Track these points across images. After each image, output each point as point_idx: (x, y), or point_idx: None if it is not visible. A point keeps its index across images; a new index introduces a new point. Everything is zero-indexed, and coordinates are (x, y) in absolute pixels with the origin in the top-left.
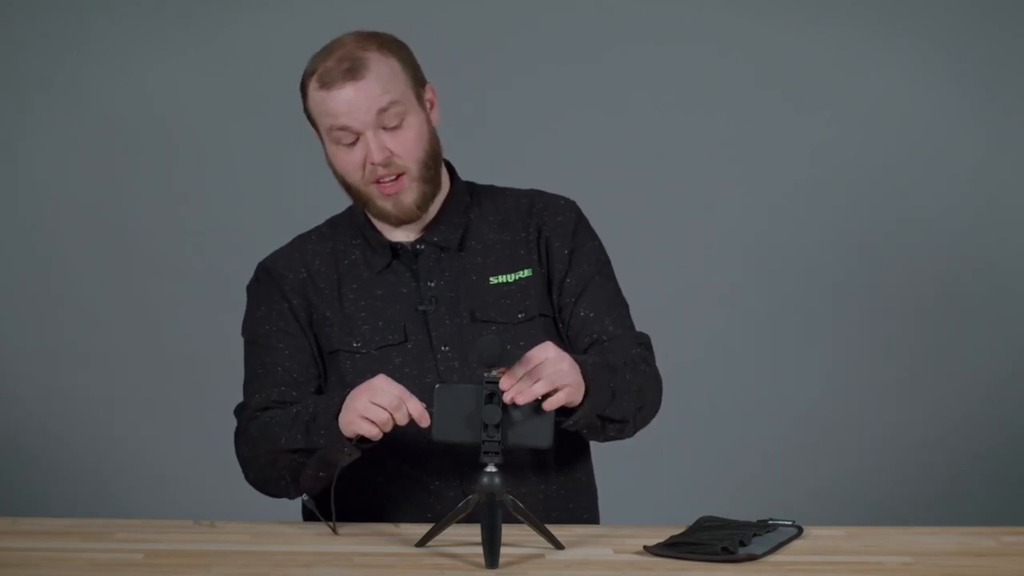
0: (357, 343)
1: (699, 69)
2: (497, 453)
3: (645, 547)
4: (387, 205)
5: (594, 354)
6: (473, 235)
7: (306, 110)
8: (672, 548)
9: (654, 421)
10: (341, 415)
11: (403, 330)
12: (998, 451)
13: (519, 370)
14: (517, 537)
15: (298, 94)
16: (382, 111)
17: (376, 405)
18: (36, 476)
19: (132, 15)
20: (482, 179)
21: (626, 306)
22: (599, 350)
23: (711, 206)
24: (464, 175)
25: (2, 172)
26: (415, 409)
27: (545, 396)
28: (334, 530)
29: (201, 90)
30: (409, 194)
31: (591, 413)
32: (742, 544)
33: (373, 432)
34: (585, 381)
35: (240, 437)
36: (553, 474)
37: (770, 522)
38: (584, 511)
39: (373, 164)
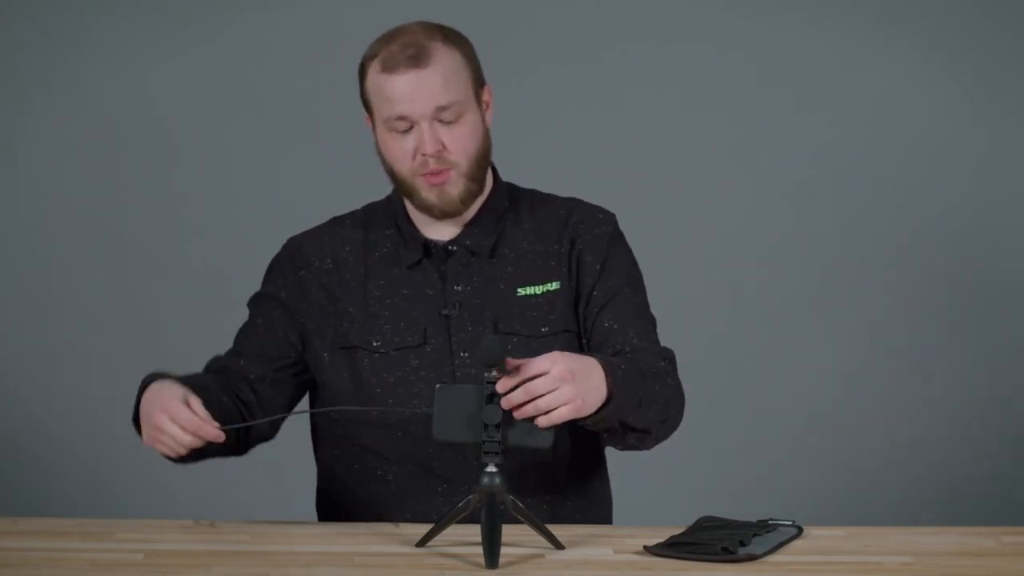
0: (377, 342)
1: (699, 69)
2: (497, 453)
3: (645, 547)
4: (432, 196)
5: (626, 359)
6: (506, 242)
7: (362, 93)
8: (672, 548)
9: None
10: (142, 418)
11: (423, 333)
12: (998, 451)
13: (514, 378)
14: (517, 537)
15: (298, 94)
16: (442, 108)
17: (166, 435)
18: (36, 476)
19: (132, 15)
20: None
21: (653, 321)
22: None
23: (711, 206)
24: None
25: (2, 172)
26: (210, 434)
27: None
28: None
29: (201, 90)
30: (455, 187)
31: (614, 417)
32: (742, 544)
33: (171, 455)
34: (612, 386)
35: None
36: (569, 490)
37: (770, 522)
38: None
39: (424, 155)
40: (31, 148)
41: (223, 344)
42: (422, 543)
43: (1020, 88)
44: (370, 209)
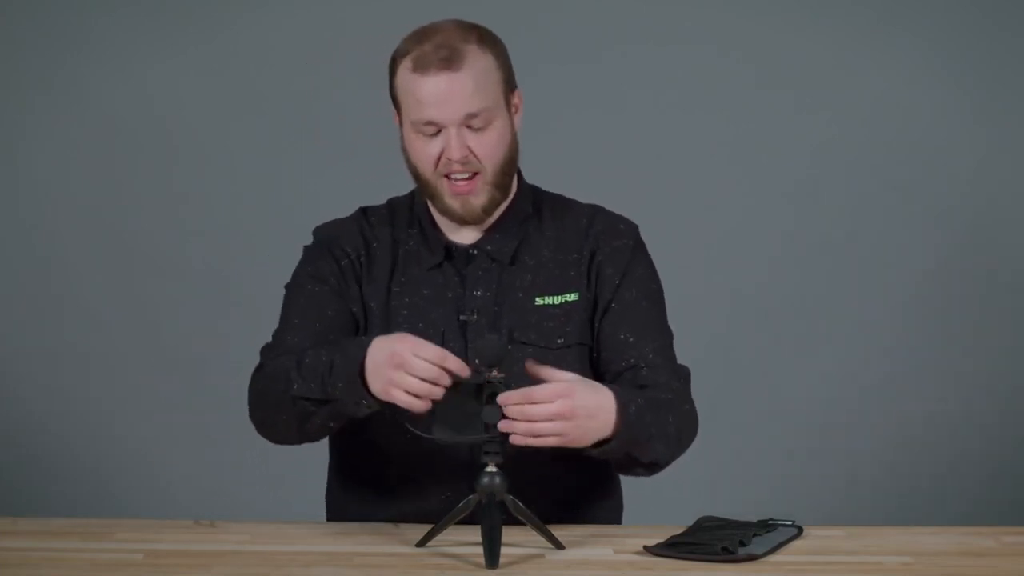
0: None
1: (699, 69)
2: (497, 453)
3: (645, 547)
4: (455, 203)
5: (643, 393)
6: (527, 250)
7: (391, 89)
8: (672, 548)
9: None
10: (370, 376)
11: (441, 336)
12: (998, 451)
13: (514, 399)
14: (517, 537)
15: (298, 94)
16: (471, 115)
17: (417, 379)
18: (36, 476)
19: (132, 15)
20: None
21: (670, 336)
22: (633, 376)
23: (711, 206)
24: None
25: (2, 172)
26: (456, 366)
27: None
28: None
29: (201, 90)
30: (480, 197)
31: (619, 451)
32: (742, 544)
33: (417, 405)
34: (620, 424)
35: (255, 375)
36: (573, 474)
37: (770, 522)
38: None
39: (450, 160)
40: (31, 148)
41: (223, 344)
42: (422, 543)
43: (1020, 88)
44: (394, 204)
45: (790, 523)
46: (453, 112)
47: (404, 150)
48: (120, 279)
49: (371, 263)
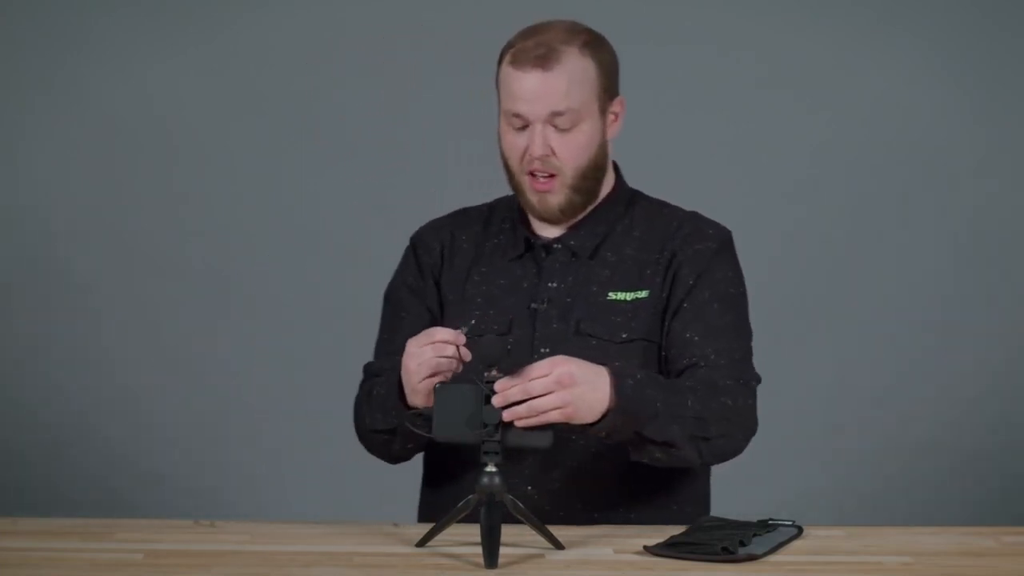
0: (464, 327)
1: (699, 69)
2: (497, 453)
3: (645, 547)
4: (533, 199)
5: (648, 372)
6: (609, 246)
7: (496, 82)
8: (672, 548)
9: None
10: (408, 396)
11: (509, 323)
12: (998, 451)
13: (515, 379)
14: (517, 537)
15: (298, 94)
16: (557, 113)
17: (424, 363)
18: (36, 476)
19: (132, 15)
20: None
21: (743, 342)
22: (692, 375)
23: (711, 206)
24: (464, 176)
25: (2, 172)
26: (445, 336)
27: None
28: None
29: (201, 90)
30: (557, 197)
31: (625, 429)
32: (742, 544)
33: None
34: (616, 396)
35: (356, 399)
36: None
37: (770, 522)
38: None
39: (532, 157)
40: (31, 148)
41: (223, 344)
42: (422, 543)
43: (1020, 88)
44: (498, 201)
45: (790, 523)
46: (540, 108)
47: (498, 140)
48: (120, 279)
49: (453, 256)
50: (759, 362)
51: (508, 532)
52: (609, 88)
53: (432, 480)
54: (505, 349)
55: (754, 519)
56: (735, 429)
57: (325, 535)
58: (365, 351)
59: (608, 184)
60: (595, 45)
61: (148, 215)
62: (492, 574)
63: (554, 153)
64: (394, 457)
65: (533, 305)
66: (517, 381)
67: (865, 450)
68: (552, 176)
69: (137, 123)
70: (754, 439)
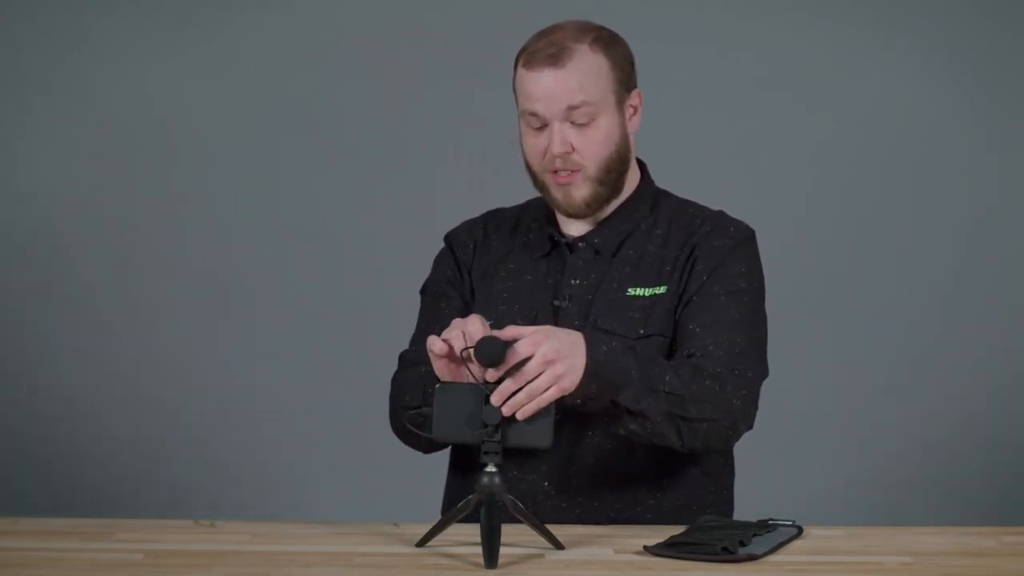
0: (489, 321)
1: (699, 69)
2: (497, 453)
3: (645, 547)
4: (558, 195)
5: (622, 341)
6: (632, 244)
7: (513, 86)
8: (672, 548)
9: None
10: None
11: (533, 319)
12: (998, 451)
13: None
14: (517, 537)
15: (298, 94)
16: (572, 108)
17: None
18: (36, 476)
19: (132, 15)
20: (483, 181)
21: (751, 335)
22: (681, 359)
23: (711, 206)
24: (464, 176)
25: (2, 172)
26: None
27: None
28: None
29: (201, 90)
30: (580, 191)
31: (602, 396)
32: (742, 544)
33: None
34: (591, 360)
35: (392, 384)
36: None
37: (770, 522)
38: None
39: (552, 155)
40: (31, 148)
41: (223, 344)
42: (422, 543)
43: (1020, 88)
44: (529, 203)
45: (790, 523)
46: (555, 105)
47: (520, 144)
48: (120, 279)
49: (484, 253)
50: None
51: (508, 532)
52: (625, 82)
53: (459, 466)
54: (505, 350)
55: (754, 519)
56: (719, 415)
57: (325, 535)
58: (365, 351)
59: (633, 182)
60: (606, 41)
61: (148, 215)
62: (492, 574)
63: (574, 149)
64: (431, 443)
65: (556, 302)
66: (502, 373)
67: (865, 450)
68: (575, 171)
69: (137, 123)
70: (754, 439)
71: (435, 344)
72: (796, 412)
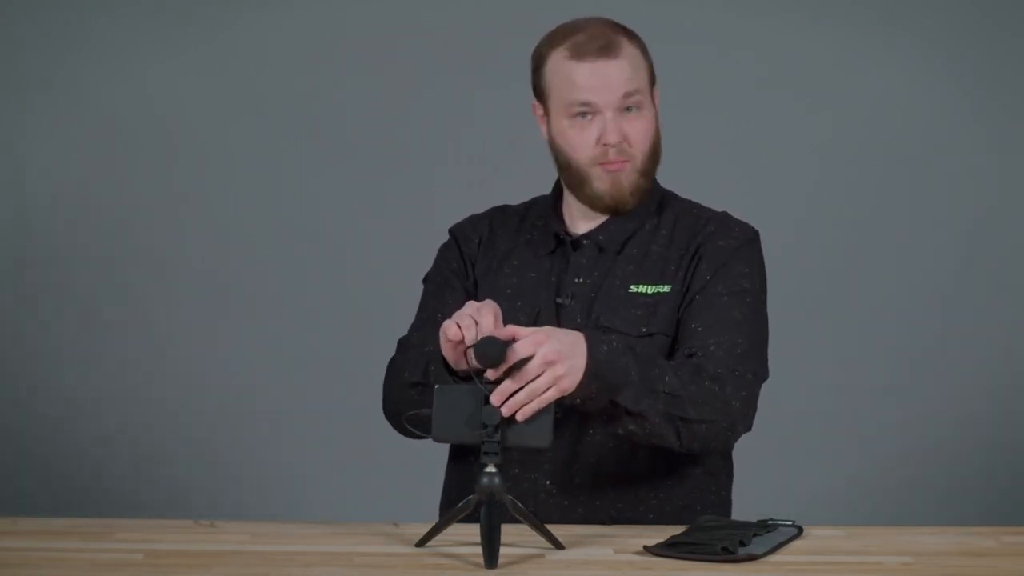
0: None
1: (699, 69)
2: (497, 453)
3: (645, 547)
4: (604, 187)
5: (624, 341)
6: (636, 242)
7: (537, 82)
8: (672, 548)
9: None
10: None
11: (536, 316)
12: (998, 451)
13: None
14: (517, 537)
15: (298, 94)
16: (628, 95)
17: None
18: (36, 476)
19: (132, 15)
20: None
21: (753, 335)
22: (681, 360)
23: (711, 206)
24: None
25: (2, 172)
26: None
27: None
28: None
29: (201, 90)
30: (629, 178)
31: (601, 396)
32: (742, 544)
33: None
34: (590, 360)
35: (388, 367)
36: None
37: (770, 522)
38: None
39: (607, 144)
40: (31, 148)
41: (223, 344)
42: (422, 543)
43: (1020, 88)
44: (534, 201)
45: (790, 523)
46: (611, 94)
47: (552, 140)
48: (120, 279)
49: (491, 247)
50: None
51: (508, 532)
52: (652, 74)
53: (460, 458)
54: (505, 349)
55: (754, 519)
56: (718, 416)
57: (325, 535)
58: (365, 351)
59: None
60: (634, 35)
61: (148, 215)
62: (492, 574)
63: (627, 139)
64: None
65: (559, 300)
66: (501, 373)
67: (865, 450)
68: (625, 161)
69: (137, 123)
70: (754, 439)
71: (450, 329)
72: (796, 412)
